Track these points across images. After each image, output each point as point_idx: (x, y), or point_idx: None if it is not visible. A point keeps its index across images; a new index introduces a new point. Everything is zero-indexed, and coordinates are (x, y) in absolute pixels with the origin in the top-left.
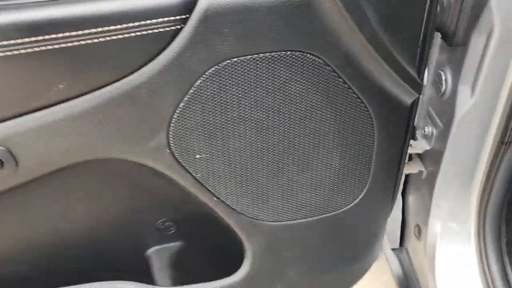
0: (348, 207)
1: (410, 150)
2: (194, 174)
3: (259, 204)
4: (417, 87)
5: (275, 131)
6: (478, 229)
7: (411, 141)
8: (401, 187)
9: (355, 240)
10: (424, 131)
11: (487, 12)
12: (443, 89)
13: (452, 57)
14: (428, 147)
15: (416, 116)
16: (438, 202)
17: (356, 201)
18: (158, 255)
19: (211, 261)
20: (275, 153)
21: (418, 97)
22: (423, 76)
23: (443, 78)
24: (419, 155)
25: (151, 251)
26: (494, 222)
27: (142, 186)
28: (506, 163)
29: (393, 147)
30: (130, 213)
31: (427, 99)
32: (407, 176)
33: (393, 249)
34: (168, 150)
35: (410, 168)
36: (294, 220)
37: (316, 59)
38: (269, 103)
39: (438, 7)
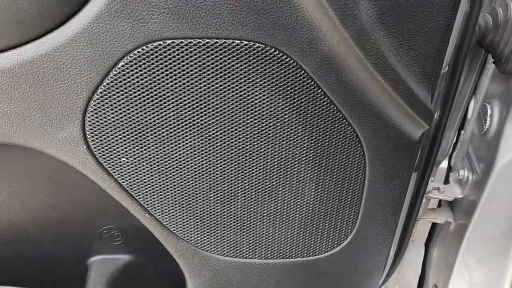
0: (325, 254)
1: (439, 196)
2: (119, 181)
3: (205, 232)
4: (427, 116)
5: (226, 143)
6: None
7: (441, 185)
8: (425, 236)
9: None
10: (459, 175)
11: None
12: (486, 126)
13: (503, 87)
14: (460, 195)
15: (454, 155)
16: (464, 264)
17: (337, 249)
18: (99, 266)
19: (159, 283)
20: (226, 172)
21: (430, 130)
22: (448, 104)
23: (489, 112)
24: (449, 202)
25: (93, 260)
26: None
27: (78, 185)
28: None
29: (392, 189)
30: (68, 215)
31: (469, 136)
32: (433, 225)
33: None
34: (85, 146)
35: (437, 217)
36: (251, 258)
37: (285, 58)
38: (217, 105)
39: (491, 22)
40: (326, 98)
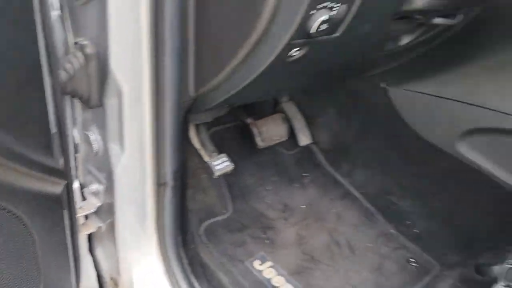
0: None
1: (83, 212)
2: None
3: None
4: (62, 175)
5: None
6: (164, 265)
7: (81, 203)
8: (86, 245)
9: None
10: (91, 189)
11: (112, 76)
12: (95, 148)
13: (96, 117)
14: (99, 203)
15: (79, 175)
16: (124, 249)
17: None
18: None
19: None
20: None
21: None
22: (66, 152)
23: (92, 138)
24: (95, 212)
25: None
26: (175, 250)
27: None
28: (168, 200)
29: (58, 235)
30: None
31: (85, 157)
32: (90, 233)
33: None
34: None
35: (88, 228)
36: None
37: None
38: None
39: (67, 75)
40: None
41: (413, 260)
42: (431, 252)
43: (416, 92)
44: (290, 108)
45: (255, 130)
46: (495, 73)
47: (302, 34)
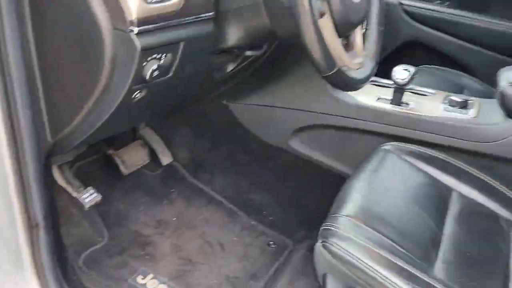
0: None
1: None
2: None
3: None
4: None
5: None
6: None
7: None
8: None
9: None
10: None
11: None
12: None
13: None
14: None
15: None
16: None
17: None
18: None
19: None
20: None
21: None
22: None
23: None
24: None
25: None
26: (57, 285)
27: None
28: (42, 240)
29: None
30: None
31: None
32: None
33: None
34: None
35: None
36: None
37: None
38: None
39: None
40: None
41: (272, 242)
42: (285, 233)
43: (252, 104)
44: (148, 133)
45: (117, 160)
46: (299, 85)
47: (139, 80)
